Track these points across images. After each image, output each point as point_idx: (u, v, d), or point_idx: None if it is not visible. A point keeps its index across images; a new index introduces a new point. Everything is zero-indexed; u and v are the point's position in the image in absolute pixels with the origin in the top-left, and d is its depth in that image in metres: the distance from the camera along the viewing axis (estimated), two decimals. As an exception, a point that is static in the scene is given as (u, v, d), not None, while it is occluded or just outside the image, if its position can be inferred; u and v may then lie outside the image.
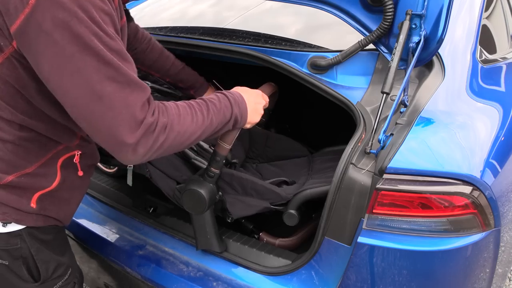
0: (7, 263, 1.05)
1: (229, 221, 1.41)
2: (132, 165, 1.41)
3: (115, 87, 0.82)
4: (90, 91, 0.81)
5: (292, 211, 1.36)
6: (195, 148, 1.66)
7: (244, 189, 1.37)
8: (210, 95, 1.09)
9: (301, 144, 1.90)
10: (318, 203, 1.75)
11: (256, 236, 1.57)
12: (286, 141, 1.85)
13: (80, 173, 1.11)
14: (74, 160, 1.08)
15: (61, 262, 1.16)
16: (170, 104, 0.96)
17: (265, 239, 1.54)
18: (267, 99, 1.29)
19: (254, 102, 1.18)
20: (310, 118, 2.12)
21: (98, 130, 0.85)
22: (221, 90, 2.55)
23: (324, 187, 1.36)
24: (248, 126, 1.19)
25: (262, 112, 1.23)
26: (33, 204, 1.03)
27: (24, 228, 1.05)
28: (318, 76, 1.34)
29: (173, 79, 1.57)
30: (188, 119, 0.97)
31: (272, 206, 1.37)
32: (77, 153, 1.08)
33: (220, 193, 1.35)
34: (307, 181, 1.56)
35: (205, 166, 1.31)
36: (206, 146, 1.67)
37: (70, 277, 1.20)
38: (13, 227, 1.03)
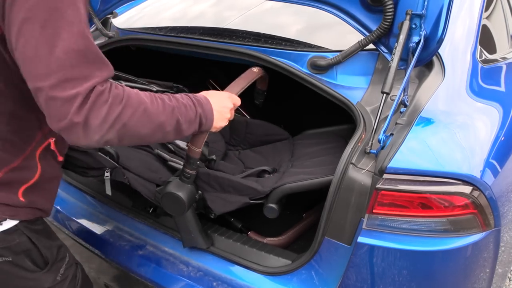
0: (10, 259, 1.07)
1: (212, 217, 1.43)
2: (109, 175, 1.41)
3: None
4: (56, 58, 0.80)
5: (272, 205, 1.37)
6: (172, 148, 1.67)
7: (222, 187, 1.38)
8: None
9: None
10: (309, 203, 1.77)
11: (244, 235, 1.58)
12: (266, 126, 1.86)
13: (60, 158, 1.12)
14: (51, 147, 1.08)
15: (59, 245, 1.19)
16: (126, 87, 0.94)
17: (253, 238, 1.54)
18: (237, 100, 1.24)
19: (220, 106, 1.14)
20: (309, 121, 2.13)
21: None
22: (219, 90, 2.55)
23: (303, 182, 1.37)
24: (214, 130, 1.16)
25: (229, 115, 1.19)
26: (21, 198, 1.05)
27: (19, 222, 1.07)
28: (318, 76, 1.34)
29: None
30: (147, 100, 0.93)
31: (251, 201, 1.38)
32: (52, 140, 1.08)
33: (199, 192, 1.36)
34: (287, 170, 1.56)
35: (181, 167, 1.32)
36: (182, 145, 1.68)
37: (71, 259, 1.23)
38: (8, 224, 1.05)
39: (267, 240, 1.54)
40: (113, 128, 0.86)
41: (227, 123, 1.18)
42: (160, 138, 0.99)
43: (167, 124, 0.97)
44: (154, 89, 1.72)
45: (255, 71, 1.44)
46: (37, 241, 1.10)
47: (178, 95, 1.04)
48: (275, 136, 1.85)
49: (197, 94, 1.10)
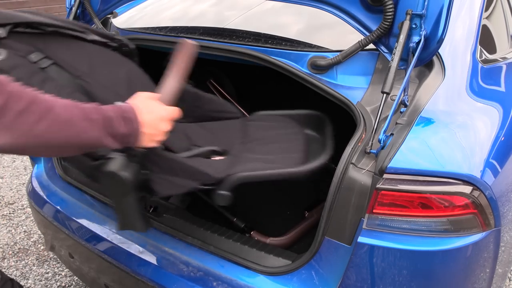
0: None
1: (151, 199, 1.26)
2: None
3: None
4: None
5: (224, 192, 1.24)
6: None
7: (173, 170, 1.22)
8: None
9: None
10: (312, 202, 1.76)
11: (247, 235, 1.57)
12: (217, 101, 1.72)
13: None
14: None
15: None
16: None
17: (256, 238, 1.53)
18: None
19: (151, 120, 1.00)
20: None
21: None
22: (219, 90, 2.50)
23: (261, 172, 1.26)
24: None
25: (165, 128, 1.04)
26: None
27: None
28: (318, 76, 1.35)
29: None
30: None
31: (201, 187, 1.24)
32: None
33: (143, 171, 1.17)
34: (241, 154, 1.44)
35: None
36: None
37: (4, 276, 1.21)
38: None
39: (270, 240, 1.54)
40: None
41: (161, 139, 1.06)
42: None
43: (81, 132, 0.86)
44: (88, 38, 1.42)
45: (189, 44, 1.22)
46: None
47: (105, 107, 0.93)
48: (226, 114, 1.69)
49: (127, 108, 0.97)
